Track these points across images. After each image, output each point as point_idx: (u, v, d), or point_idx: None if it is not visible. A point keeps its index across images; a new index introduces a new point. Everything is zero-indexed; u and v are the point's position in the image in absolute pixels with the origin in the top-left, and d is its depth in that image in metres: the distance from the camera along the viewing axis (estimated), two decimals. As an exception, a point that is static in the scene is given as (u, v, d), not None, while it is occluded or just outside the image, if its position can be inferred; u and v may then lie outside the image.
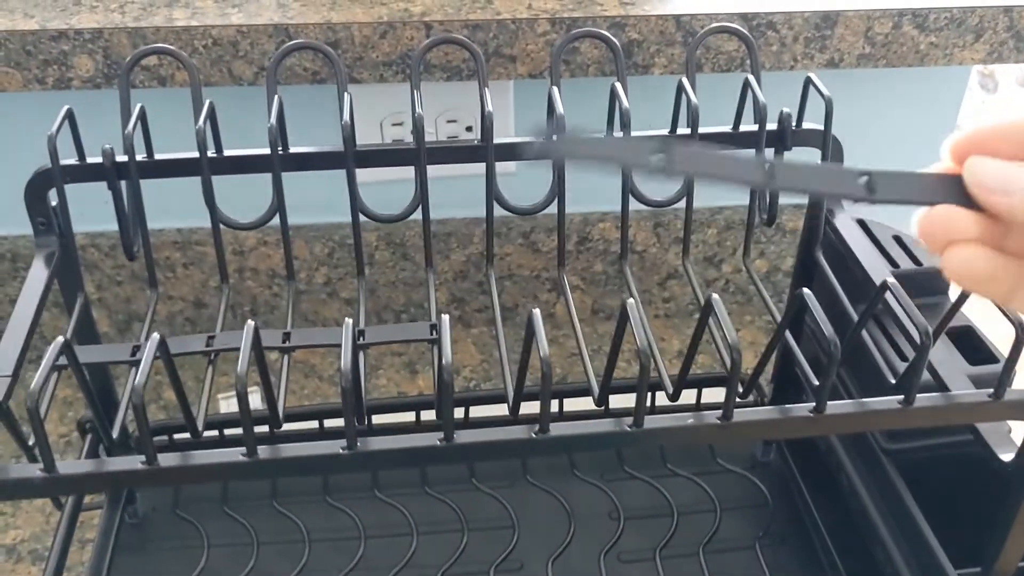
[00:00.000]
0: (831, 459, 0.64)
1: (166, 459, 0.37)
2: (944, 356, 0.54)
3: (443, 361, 0.35)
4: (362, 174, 0.54)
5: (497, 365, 0.89)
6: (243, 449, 0.37)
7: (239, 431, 0.37)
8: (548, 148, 0.35)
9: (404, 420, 0.73)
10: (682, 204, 0.59)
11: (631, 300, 0.38)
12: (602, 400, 0.43)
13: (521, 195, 0.60)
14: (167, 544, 0.68)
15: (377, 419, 0.73)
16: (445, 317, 0.37)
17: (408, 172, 0.57)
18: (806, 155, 0.57)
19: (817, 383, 0.38)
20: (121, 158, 0.52)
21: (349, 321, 0.36)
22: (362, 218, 0.89)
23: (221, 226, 0.54)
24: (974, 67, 0.84)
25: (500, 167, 0.57)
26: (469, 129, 0.82)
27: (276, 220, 0.54)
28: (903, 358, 0.55)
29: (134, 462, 0.37)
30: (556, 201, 0.56)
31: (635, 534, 0.68)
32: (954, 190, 0.31)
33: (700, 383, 0.74)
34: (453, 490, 0.71)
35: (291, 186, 0.56)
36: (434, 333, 0.46)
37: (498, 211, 0.58)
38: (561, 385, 0.75)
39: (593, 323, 0.94)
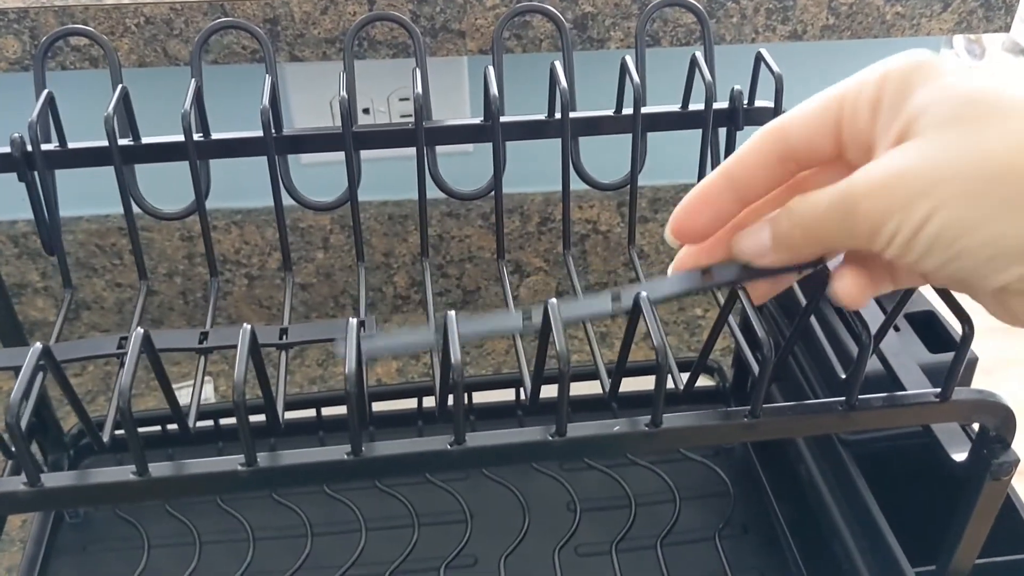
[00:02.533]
0: (790, 448, 0.62)
1: (158, 469, 0.34)
2: (902, 344, 0.52)
3: (452, 360, 0.33)
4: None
5: (470, 349, 0.86)
6: (241, 458, 0.34)
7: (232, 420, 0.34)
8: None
9: (401, 407, 0.71)
10: (649, 184, 0.56)
11: (644, 293, 0.35)
12: (612, 395, 0.40)
13: (478, 174, 0.58)
14: (111, 543, 0.66)
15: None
16: (452, 314, 0.34)
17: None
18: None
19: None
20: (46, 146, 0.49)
21: (353, 321, 0.34)
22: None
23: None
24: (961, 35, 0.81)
25: (457, 146, 0.54)
26: (422, 107, 0.79)
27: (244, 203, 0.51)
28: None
29: (124, 473, 0.34)
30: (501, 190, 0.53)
31: (592, 526, 0.66)
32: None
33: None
34: (403, 483, 0.69)
35: (238, 169, 0.53)
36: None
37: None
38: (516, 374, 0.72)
39: (557, 305, 0.91)
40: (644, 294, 0.36)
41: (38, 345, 0.33)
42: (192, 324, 0.88)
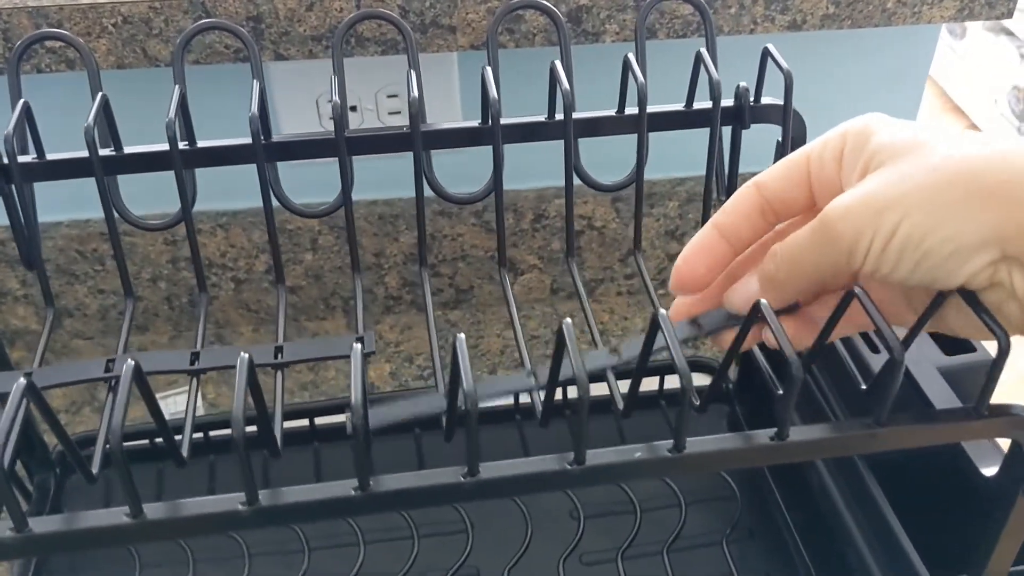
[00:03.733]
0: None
1: (154, 510, 0.32)
2: (916, 347, 0.50)
3: (464, 385, 0.31)
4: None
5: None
6: (242, 496, 0.32)
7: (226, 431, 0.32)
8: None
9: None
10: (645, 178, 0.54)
11: (663, 311, 0.33)
12: (628, 413, 0.39)
13: (470, 172, 0.56)
14: (96, 560, 0.64)
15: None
16: (461, 336, 0.32)
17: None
18: (767, 132, 0.52)
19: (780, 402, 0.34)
20: (23, 158, 0.46)
21: (357, 347, 0.31)
22: (300, 201, 0.84)
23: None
24: (945, 23, 0.79)
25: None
26: (412, 104, 0.77)
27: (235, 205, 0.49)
28: (875, 350, 0.51)
29: (118, 516, 0.32)
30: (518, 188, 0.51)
31: (597, 534, 0.64)
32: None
33: (663, 370, 0.71)
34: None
35: (223, 170, 0.51)
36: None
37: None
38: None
39: (553, 303, 0.89)
40: (663, 313, 0.34)
41: (21, 380, 0.31)
42: (178, 330, 0.86)
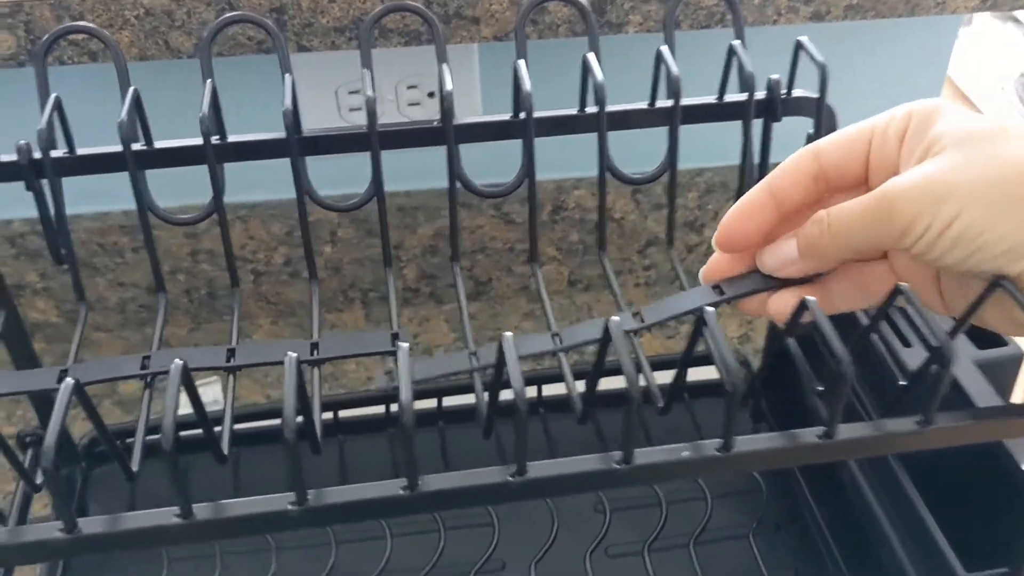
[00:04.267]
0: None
1: (203, 510, 0.32)
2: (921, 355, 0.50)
3: (515, 388, 0.30)
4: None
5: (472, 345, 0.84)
6: (290, 496, 0.32)
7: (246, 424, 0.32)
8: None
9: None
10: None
11: (711, 309, 0.33)
12: (667, 409, 0.38)
13: (490, 166, 0.55)
14: (123, 556, 0.64)
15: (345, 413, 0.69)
16: (508, 336, 0.32)
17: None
18: (798, 125, 0.52)
19: (822, 400, 0.34)
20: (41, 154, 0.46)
21: (404, 346, 0.31)
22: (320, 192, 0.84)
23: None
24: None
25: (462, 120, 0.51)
26: (431, 95, 0.77)
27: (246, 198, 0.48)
28: (906, 343, 0.51)
29: (167, 516, 0.32)
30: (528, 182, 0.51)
31: (622, 528, 0.64)
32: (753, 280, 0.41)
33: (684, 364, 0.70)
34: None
35: (245, 162, 0.50)
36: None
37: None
38: (546, 370, 0.70)
39: (570, 295, 0.89)
40: (711, 310, 0.34)
41: (69, 381, 0.31)
42: (197, 322, 0.86)
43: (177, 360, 0.31)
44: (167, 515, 0.32)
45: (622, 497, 0.66)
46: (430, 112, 0.78)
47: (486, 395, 0.38)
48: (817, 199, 0.40)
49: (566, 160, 0.79)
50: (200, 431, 0.37)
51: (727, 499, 0.67)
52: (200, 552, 0.63)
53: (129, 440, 0.64)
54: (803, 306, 0.35)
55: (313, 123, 0.77)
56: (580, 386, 0.40)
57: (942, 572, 0.49)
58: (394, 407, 0.69)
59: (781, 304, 0.39)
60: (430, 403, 0.69)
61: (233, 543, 0.63)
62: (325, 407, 0.68)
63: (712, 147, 0.78)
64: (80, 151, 0.47)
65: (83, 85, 0.69)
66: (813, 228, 0.37)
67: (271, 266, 0.83)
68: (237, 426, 0.67)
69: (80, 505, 0.64)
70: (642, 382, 0.44)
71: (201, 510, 0.32)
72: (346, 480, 0.66)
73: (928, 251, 0.34)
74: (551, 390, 0.70)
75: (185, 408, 0.34)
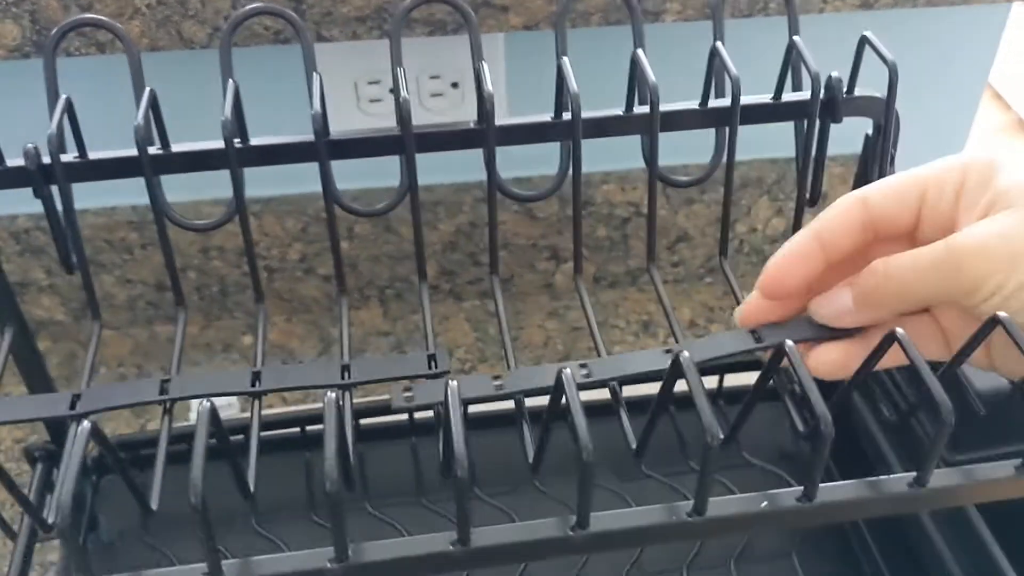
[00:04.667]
0: (879, 465, 0.57)
1: (233, 568, 0.29)
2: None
3: (578, 437, 0.27)
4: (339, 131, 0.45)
5: (493, 344, 0.81)
6: (330, 551, 0.29)
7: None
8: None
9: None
10: (695, 162, 0.50)
11: (685, 353, 0.30)
12: (640, 453, 0.35)
13: (517, 160, 0.52)
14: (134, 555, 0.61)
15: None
16: (568, 372, 0.29)
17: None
18: (858, 125, 0.48)
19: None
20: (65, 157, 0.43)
21: (454, 384, 0.28)
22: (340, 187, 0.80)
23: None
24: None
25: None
26: (455, 86, 0.73)
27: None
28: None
29: (195, 574, 0.29)
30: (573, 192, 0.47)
31: (659, 546, 0.61)
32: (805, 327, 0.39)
33: (723, 369, 0.67)
34: (450, 499, 0.64)
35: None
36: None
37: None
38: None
39: (595, 292, 0.86)
40: (791, 344, 0.31)
41: (86, 425, 0.28)
42: (208, 320, 0.83)
43: (205, 403, 0.28)
44: (195, 573, 0.29)
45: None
46: (453, 103, 0.74)
47: (529, 429, 0.35)
48: (864, 248, 0.39)
49: (595, 153, 0.75)
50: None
51: (765, 512, 0.64)
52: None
53: (144, 451, 0.62)
54: (891, 338, 0.31)
55: (331, 115, 0.74)
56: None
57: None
58: (418, 415, 0.66)
59: (824, 357, 0.38)
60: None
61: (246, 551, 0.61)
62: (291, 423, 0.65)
63: (746, 140, 0.75)
64: (92, 155, 0.43)
65: (90, 77, 0.66)
66: (872, 279, 0.36)
67: (285, 263, 0.80)
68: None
69: (91, 518, 0.62)
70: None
71: (231, 568, 0.29)
72: (368, 493, 0.64)
73: (1001, 307, 0.33)
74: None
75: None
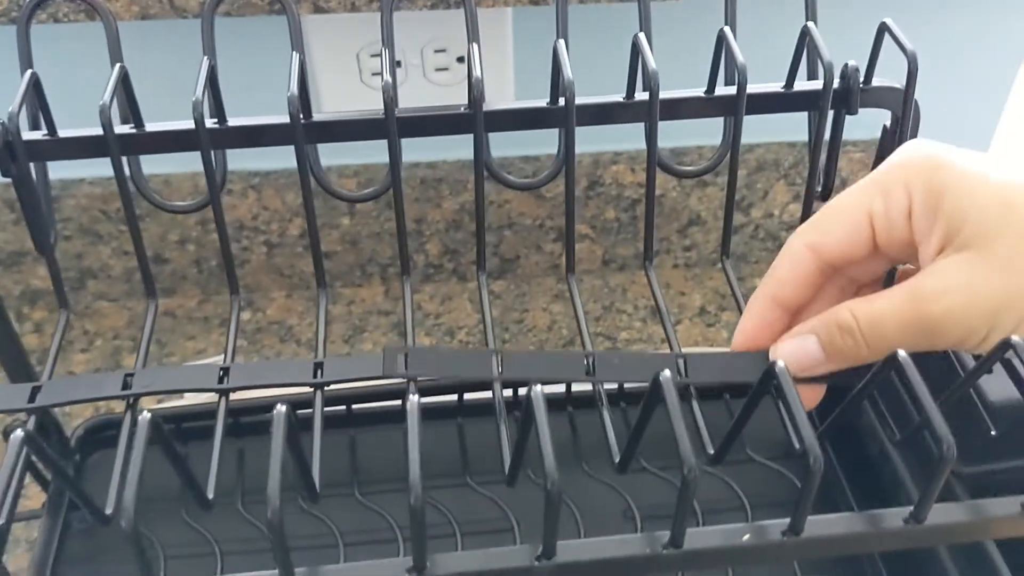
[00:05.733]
0: (885, 469, 0.55)
1: None
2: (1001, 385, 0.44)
3: (544, 465, 0.25)
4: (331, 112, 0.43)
5: (496, 326, 0.79)
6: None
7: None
8: None
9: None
10: (708, 143, 0.48)
11: (665, 374, 0.28)
12: (622, 469, 0.33)
13: (522, 138, 0.49)
14: (121, 554, 0.60)
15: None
16: (538, 389, 0.27)
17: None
18: (876, 117, 0.45)
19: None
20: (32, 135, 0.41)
21: (414, 397, 0.26)
22: (339, 162, 0.78)
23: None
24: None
25: (496, 103, 0.45)
26: (461, 60, 0.71)
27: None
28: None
29: None
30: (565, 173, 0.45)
31: (654, 541, 0.59)
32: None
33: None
34: (441, 487, 0.62)
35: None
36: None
37: (496, 151, 0.47)
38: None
39: (604, 275, 0.84)
40: (781, 365, 0.28)
41: (19, 433, 0.26)
42: (206, 294, 0.81)
43: (145, 413, 0.26)
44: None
45: (652, 504, 0.61)
46: (458, 77, 0.71)
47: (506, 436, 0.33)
48: (824, 283, 0.38)
49: (604, 133, 0.72)
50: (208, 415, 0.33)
51: (766, 509, 0.62)
52: (199, 551, 0.59)
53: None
54: (892, 360, 0.29)
55: (332, 89, 0.71)
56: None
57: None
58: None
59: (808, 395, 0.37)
60: (450, 398, 0.65)
61: (233, 543, 0.59)
62: (336, 400, 0.63)
63: (763, 122, 0.72)
64: (62, 133, 0.41)
65: (81, 45, 0.64)
66: (845, 336, 0.34)
67: (285, 237, 0.78)
68: (243, 418, 0.63)
69: (72, 501, 0.60)
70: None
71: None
72: (357, 476, 0.62)
73: (982, 350, 0.33)
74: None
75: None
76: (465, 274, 0.83)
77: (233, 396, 0.38)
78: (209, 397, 0.67)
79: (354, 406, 0.64)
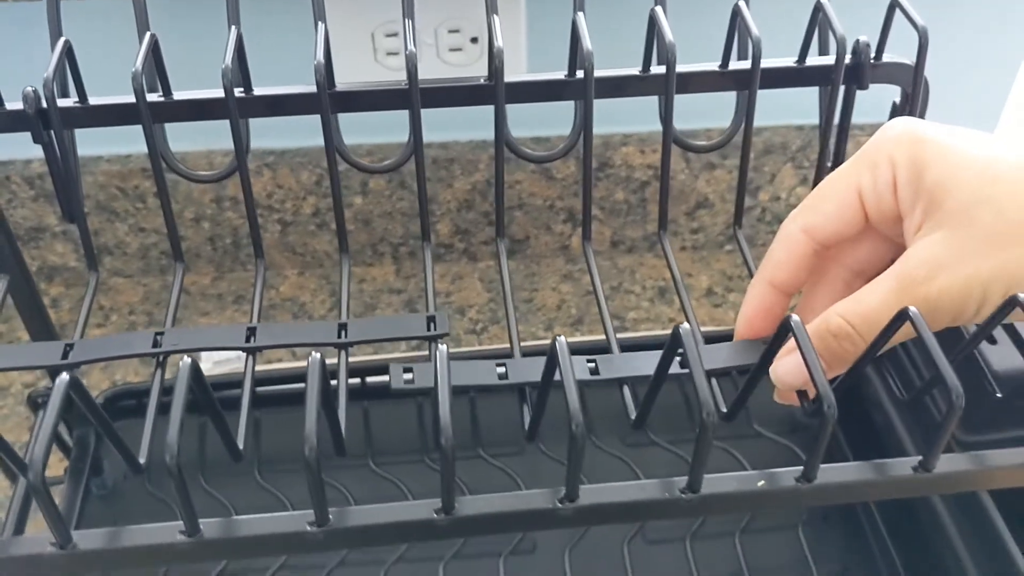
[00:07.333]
0: (890, 438, 0.56)
1: (210, 528, 0.29)
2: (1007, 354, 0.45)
3: (569, 408, 0.26)
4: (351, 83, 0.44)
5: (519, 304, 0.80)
6: (309, 515, 0.29)
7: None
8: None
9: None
10: (718, 126, 0.49)
11: (684, 325, 0.29)
12: (639, 424, 0.34)
13: (532, 116, 0.50)
14: (140, 519, 0.61)
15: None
16: (562, 339, 0.28)
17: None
18: (887, 93, 0.46)
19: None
20: (63, 102, 0.42)
21: (443, 348, 0.27)
22: (352, 141, 0.79)
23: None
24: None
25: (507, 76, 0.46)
26: (474, 40, 0.72)
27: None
28: (991, 340, 0.46)
29: (172, 533, 0.29)
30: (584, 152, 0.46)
31: (662, 515, 0.61)
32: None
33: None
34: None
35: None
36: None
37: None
38: (577, 342, 0.66)
39: (612, 256, 0.85)
40: (795, 318, 0.29)
41: (64, 376, 0.27)
42: (220, 271, 0.82)
43: (186, 358, 0.27)
44: (172, 532, 0.28)
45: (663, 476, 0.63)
46: (472, 58, 0.72)
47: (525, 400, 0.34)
48: (820, 265, 0.39)
49: (614, 114, 0.73)
50: (230, 386, 0.34)
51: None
52: (161, 518, 0.61)
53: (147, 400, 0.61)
54: (902, 316, 0.30)
55: (347, 68, 0.72)
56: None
57: (1001, 558, 0.45)
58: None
59: (788, 366, 0.35)
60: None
61: (247, 511, 0.61)
62: (352, 373, 0.64)
63: (772, 105, 0.73)
64: (93, 100, 0.43)
65: (106, 20, 0.65)
66: (843, 344, 0.34)
67: (299, 216, 0.79)
68: (260, 389, 0.64)
69: (95, 465, 0.62)
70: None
71: (210, 528, 0.28)
72: (372, 450, 0.63)
73: (978, 319, 0.33)
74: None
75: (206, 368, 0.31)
76: (476, 254, 0.84)
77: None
78: (231, 368, 0.69)
79: (368, 379, 0.65)
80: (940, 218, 0.33)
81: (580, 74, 0.43)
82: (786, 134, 0.78)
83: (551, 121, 0.74)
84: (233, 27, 0.42)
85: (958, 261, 0.32)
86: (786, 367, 0.34)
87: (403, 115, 0.47)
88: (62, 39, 0.41)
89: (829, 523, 0.60)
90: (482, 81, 0.44)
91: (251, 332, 0.39)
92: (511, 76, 0.43)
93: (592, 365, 0.38)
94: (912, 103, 0.43)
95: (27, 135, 0.44)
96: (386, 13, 0.69)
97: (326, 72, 0.41)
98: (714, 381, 0.37)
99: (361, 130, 0.67)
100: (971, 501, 0.49)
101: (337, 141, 0.47)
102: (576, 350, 0.31)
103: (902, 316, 0.30)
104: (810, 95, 0.49)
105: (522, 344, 0.41)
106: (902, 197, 0.35)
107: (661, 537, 0.60)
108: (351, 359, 0.39)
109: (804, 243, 0.37)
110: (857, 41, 0.45)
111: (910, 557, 0.56)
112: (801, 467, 0.29)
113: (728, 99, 0.50)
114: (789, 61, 0.45)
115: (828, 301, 0.36)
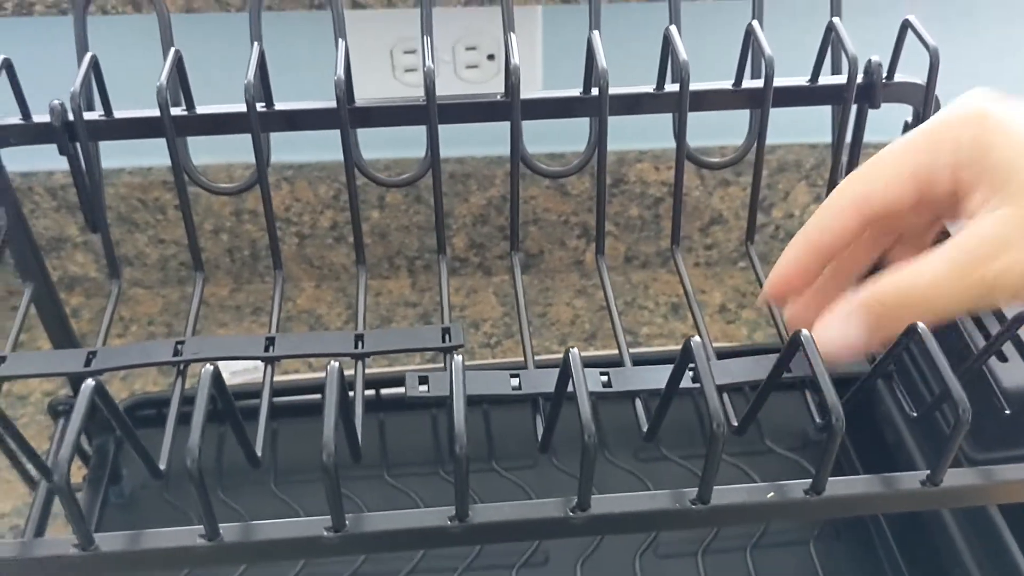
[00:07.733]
0: (901, 455, 0.56)
1: (230, 532, 0.30)
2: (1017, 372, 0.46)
3: (581, 418, 0.27)
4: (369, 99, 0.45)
5: (533, 319, 0.81)
6: (326, 520, 0.29)
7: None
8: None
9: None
10: (732, 143, 0.49)
11: (696, 339, 0.29)
12: (651, 437, 0.35)
13: (546, 132, 0.51)
14: (158, 527, 0.62)
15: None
16: (575, 351, 0.29)
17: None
18: (897, 112, 0.47)
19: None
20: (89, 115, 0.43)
21: (458, 359, 0.28)
22: (370, 156, 0.80)
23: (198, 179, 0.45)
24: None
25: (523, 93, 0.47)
26: (491, 58, 0.73)
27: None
28: (1002, 358, 0.47)
29: (192, 536, 0.30)
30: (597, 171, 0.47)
31: (673, 530, 0.61)
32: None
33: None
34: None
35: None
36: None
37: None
38: (591, 356, 0.67)
39: (625, 271, 0.85)
40: (806, 333, 0.30)
41: (89, 383, 0.28)
42: (238, 283, 0.83)
43: (207, 366, 0.28)
44: (192, 535, 0.29)
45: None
46: (488, 75, 0.73)
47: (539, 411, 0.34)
48: (864, 232, 0.38)
49: (629, 131, 0.74)
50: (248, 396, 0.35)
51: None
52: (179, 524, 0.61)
53: (166, 410, 0.62)
54: (912, 331, 0.31)
55: (366, 84, 0.73)
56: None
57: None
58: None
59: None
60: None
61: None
62: (366, 386, 0.65)
63: (785, 124, 0.74)
64: (117, 114, 0.44)
65: (128, 36, 0.66)
66: (898, 313, 0.33)
67: (316, 229, 0.80)
68: (276, 399, 0.65)
69: (113, 473, 0.62)
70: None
71: (229, 532, 0.29)
72: (387, 462, 0.64)
73: None
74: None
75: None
76: (490, 268, 0.84)
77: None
78: (248, 378, 0.69)
79: (383, 391, 0.66)
80: (1005, 195, 0.33)
81: (595, 91, 0.44)
82: (800, 152, 0.79)
83: (566, 137, 0.75)
84: (255, 43, 0.43)
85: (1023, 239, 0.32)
86: (831, 333, 0.34)
87: (420, 130, 0.48)
88: (89, 54, 0.42)
89: (841, 539, 0.60)
90: (498, 98, 0.44)
91: (270, 342, 0.39)
92: (527, 93, 0.44)
93: (605, 378, 0.39)
94: (922, 122, 0.43)
95: (50, 147, 0.46)
96: (405, 31, 0.70)
97: (346, 88, 0.42)
98: (725, 396, 0.38)
99: (379, 145, 0.68)
100: (981, 518, 0.49)
101: (356, 155, 0.48)
102: (589, 363, 0.32)
103: (911, 331, 0.30)
104: (823, 113, 0.50)
105: (536, 358, 0.41)
106: (964, 177, 0.34)
107: (673, 551, 0.60)
108: (366, 371, 0.40)
109: (854, 210, 0.37)
110: (869, 61, 0.45)
111: (921, 574, 0.56)
112: (810, 480, 0.29)
113: (744, 116, 0.50)
114: (802, 80, 0.46)
115: (862, 256, 0.38)
